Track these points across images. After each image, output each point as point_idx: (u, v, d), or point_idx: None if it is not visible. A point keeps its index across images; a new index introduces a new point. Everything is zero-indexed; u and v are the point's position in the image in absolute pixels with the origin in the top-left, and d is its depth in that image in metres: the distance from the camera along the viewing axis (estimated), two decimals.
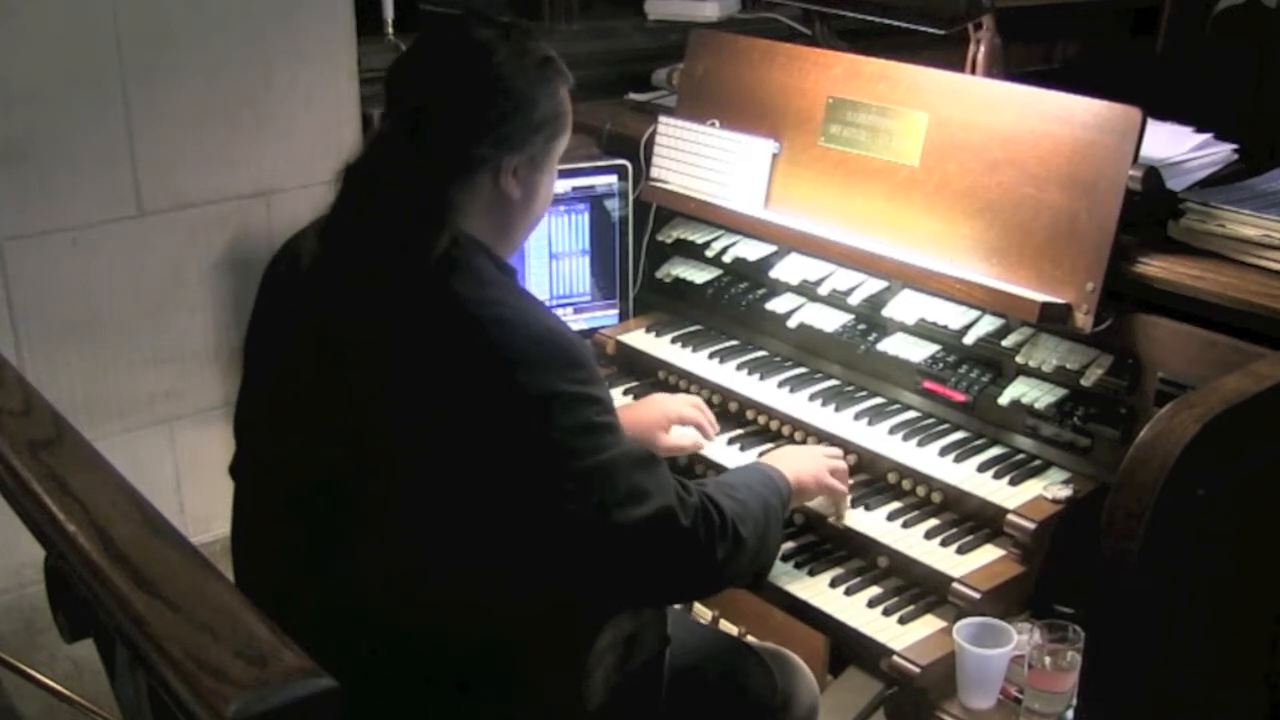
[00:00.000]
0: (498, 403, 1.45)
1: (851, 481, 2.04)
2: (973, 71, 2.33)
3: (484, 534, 1.47)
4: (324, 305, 1.55)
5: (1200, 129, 2.16)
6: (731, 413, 2.29)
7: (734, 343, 2.43)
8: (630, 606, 1.67)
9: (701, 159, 2.42)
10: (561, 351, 1.49)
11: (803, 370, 2.32)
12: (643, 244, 2.56)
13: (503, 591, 1.50)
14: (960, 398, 2.08)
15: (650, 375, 2.44)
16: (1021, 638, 1.70)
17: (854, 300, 2.18)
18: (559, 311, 2.49)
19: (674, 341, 2.46)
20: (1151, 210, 1.91)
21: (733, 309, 2.44)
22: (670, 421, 2.13)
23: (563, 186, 2.44)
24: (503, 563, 1.48)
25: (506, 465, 1.45)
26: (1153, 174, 1.87)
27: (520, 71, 1.57)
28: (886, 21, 2.42)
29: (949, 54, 2.42)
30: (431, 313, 1.48)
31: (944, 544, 1.90)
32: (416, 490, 1.47)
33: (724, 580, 1.68)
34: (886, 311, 2.14)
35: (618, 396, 2.30)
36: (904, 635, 1.80)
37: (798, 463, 1.92)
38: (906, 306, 2.11)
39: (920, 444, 2.06)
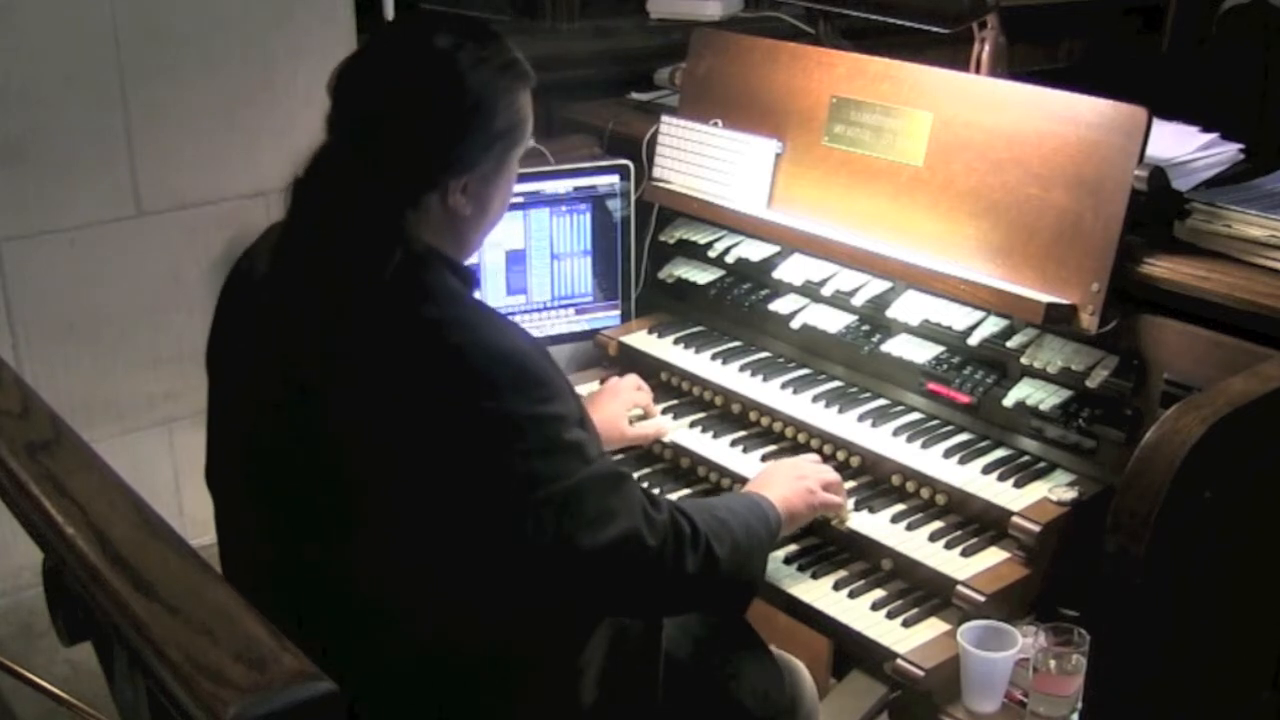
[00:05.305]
0: (458, 429, 1.41)
1: (855, 484, 2.03)
2: (977, 71, 2.32)
3: (455, 557, 1.45)
4: (282, 327, 1.50)
5: (1206, 128, 2.15)
6: (734, 414, 2.28)
7: (737, 344, 2.42)
8: (607, 617, 1.67)
9: (704, 159, 2.41)
10: (521, 371, 1.44)
11: (806, 372, 2.31)
12: (645, 244, 2.55)
13: (480, 608, 1.49)
14: (964, 399, 2.07)
15: (652, 376, 2.42)
16: (1026, 641, 1.69)
17: (857, 301, 2.17)
18: (561, 312, 2.48)
19: (676, 342, 2.45)
20: (1157, 210, 1.90)
21: (735, 310, 2.43)
22: (629, 409, 2.20)
23: (564, 186, 2.43)
24: (477, 584, 1.47)
25: (471, 492, 1.42)
26: (1158, 174, 1.86)
27: (479, 83, 1.48)
28: (890, 20, 2.41)
29: (953, 53, 2.42)
30: (387, 338, 1.43)
31: (948, 546, 1.89)
32: (384, 515, 1.45)
33: (697, 596, 1.64)
34: (890, 312, 2.13)
35: None
36: (908, 638, 1.78)
37: (785, 488, 1.86)
38: (910, 307, 2.10)
39: (924, 446, 2.05)
